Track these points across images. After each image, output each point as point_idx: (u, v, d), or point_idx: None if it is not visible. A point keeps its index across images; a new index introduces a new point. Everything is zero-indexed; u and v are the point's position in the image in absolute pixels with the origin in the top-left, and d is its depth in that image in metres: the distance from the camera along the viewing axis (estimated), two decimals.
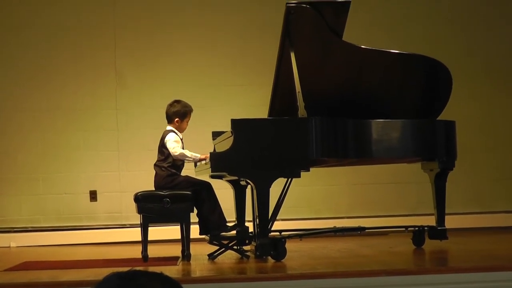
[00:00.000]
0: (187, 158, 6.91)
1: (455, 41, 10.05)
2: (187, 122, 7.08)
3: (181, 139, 6.98)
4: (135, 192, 6.76)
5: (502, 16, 10.23)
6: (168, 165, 6.89)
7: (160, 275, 2.09)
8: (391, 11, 10.07)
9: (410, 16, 10.08)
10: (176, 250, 7.10)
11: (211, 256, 6.80)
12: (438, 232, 7.11)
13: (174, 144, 6.84)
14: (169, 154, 6.86)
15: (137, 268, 2.12)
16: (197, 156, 6.87)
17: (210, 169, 6.31)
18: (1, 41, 9.76)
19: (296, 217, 9.34)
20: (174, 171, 6.91)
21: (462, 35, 10.12)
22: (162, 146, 6.94)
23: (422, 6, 10.14)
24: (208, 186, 6.88)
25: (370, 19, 9.84)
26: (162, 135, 6.99)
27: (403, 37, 9.63)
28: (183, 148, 6.91)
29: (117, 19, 9.83)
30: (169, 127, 7.02)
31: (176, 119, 7.00)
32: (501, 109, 10.13)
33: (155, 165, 6.99)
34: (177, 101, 7.09)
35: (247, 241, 6.97)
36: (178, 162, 6.93)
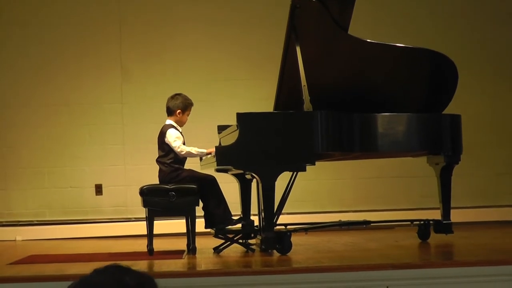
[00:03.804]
0: (193, 156, 6.91)
1: (461, 36, 10.02)
2: (188, 115, 7.08)
3: (181, 133, 6.97)
4: (140, 186, 6.76)
5: (509, 11, 10.20)
6: (170, 160, 6.88)
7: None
8: (397, 6, 10.06)
9: (416, 12, 10.07)
10: (181, 244, 7.11)
11: (217, 250, 6.80)
12: (444, 226, 7.11)
13: (177, 142, 6.82)
14: (170, 150, 6.85)
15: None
16: (203, 152, 6.86)
17: (216, 163, 6.31)
18: (6, 37, 9.77)
19: (302, 211, 9.34)
20: (177, 166, 6.90)
21: (468, 30, 10.10)
22: (163, 142, 6.92)
23: (428, 1, 10.12)
24: (212, 180, 6.88)
25: (376, 14, 9.83)
26: (162, 130, 6.97)
27: (409, 33, 9.61)
28: (184, 143, 6.90)
29: (122, 14, 9.84)
30: (168, 121, 7.01)
31: (178, 111, 6.99)
32: (506, 104, 10.11)
33: (157, 160, 6.98)
34: (178, 94, 7.10)
35: (252, 235, 6.98)
36: (180, 157, 6.92)
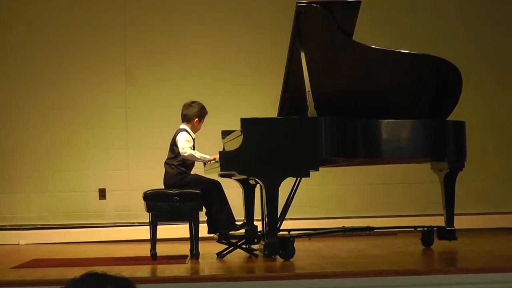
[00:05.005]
0: (196, 159, 6.91)
1: (464, 42, 10.02)
2: (202, 123, 7.11)
3: (193, 139, 6.99)
4: (144, 190, 6.76)
5: (511, 16, 10.19)
6: (178, 163, 6.90)
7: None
8: (401, 12, 10.06)
9: (419, 18, 10.07)
10: (184, 249, 7.11)
11: (220, 255, 6.80)
12: (447, 232, 7.10)
13: (185, 144, 6.84)
14: (179, 152, 6.86)
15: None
16: (206, 158, 6.86)
17: (220, 168, 6.31)
18: (13, 41, 9.78)
19: (305, 216, 9.33)
20: (183, 169, 6.91)
21: (471, 36, 10.10)
22: (174, 144, 6.95)
23: (431, 8, 10.12)
24: (217, 185, 6.88)
25: (379, 21, 9.82)
26: (175, 134, 6.99)
27: (412, 39, 9.61)
28: (194, 148, 6.91)
29: (127, 18, 9.84)
30: (183, 126, 7.02)
31: (196, 119, 7.02)
32: (510, 110, 10.10)
33: (165, 163, 7.00)
34: (194, 102, 7.11)
35: (255, 240, 6.98)
36: (188, 161, 6.93)
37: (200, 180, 6.90)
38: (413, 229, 7.40)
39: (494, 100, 10.07)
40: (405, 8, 10.10)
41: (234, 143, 6.46)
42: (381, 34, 9.21)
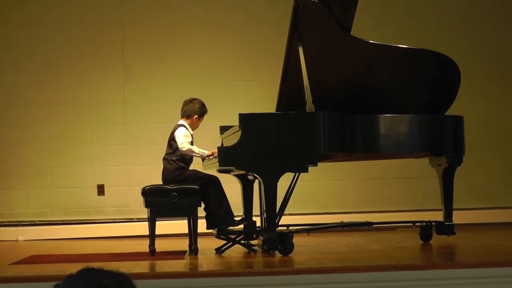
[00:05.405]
0: (194, 154, 6.91)
1: (464, 42, 10.01)
2: (201, 121, 7.11)
3: (192, 135, 6.98)
4: (142, 186, 6.76)
5: (510, 15, 10.19)
6: (176, 158, 6.90)
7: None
8: (399, 7, 10.05)
9: (418, 14, 10.06)
10: (183, 244, 7.11)
11: (219, 250, 6.80)
12: (446, 227, 7.10)
13: (183, 139, 6.84)
14: (177, 147, 6.87)
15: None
16: (205, 153, 6.85)
17: (218, 163, 6.30)
18: (12, 38, 9.77)
19: (304, 211, 9.33)
20: (182, 164, 6.91)
21: (471, 36, 10.10)
22: (172, 140, 6.95)
23: (431, 8, 10.11)
24: (215, 180, 6.88)
25: (378, 17, 9.81)
26: (173, 129, 7.00)
27: (412, 39, 9.56)
28: (192, 144, 6.91)
29: (125, 15, 9.84)
30: (181, 122, 7.02)
31: (195, 116, 7.02)
32: (508, 106, 10.10)
33: (163, 158, 7.00)
34: (196, 99, 7.12)
35: (254, 236, 6.98)
36: (186, 157, 6.93)
37: (198, 176, 6.90)
38: (411, 224, 7.40)
39: (494, 99, 10.07)
40: (405, 8, 10.09)
41: (232, 139, 6.46)
42: (381, 33, 9.18)
